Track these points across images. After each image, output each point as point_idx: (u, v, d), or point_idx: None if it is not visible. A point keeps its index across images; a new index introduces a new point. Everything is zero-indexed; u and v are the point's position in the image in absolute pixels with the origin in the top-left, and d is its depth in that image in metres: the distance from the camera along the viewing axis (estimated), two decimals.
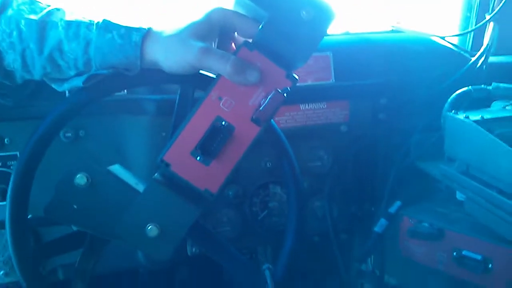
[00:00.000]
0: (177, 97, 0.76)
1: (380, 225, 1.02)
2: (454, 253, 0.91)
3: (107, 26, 0.69)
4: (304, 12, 0.61)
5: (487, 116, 0.88)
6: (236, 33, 0.72)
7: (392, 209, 1.01)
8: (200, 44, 0.65)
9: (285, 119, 1.04)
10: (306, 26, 0.61)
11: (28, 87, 0.85)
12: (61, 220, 0.67)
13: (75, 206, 0.67)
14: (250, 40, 0.65)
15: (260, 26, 0.62)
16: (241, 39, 0.69)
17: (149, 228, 0.67)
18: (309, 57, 0.64)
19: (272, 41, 0.63)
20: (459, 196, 0.97)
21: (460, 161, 0.91)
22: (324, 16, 0.62)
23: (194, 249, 1.04)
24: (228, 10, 0.69)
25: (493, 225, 0.85)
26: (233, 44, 0.73)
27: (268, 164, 1.05)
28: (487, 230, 0.87)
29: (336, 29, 1.12)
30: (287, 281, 0.79)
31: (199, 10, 0.69)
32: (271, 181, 1.08)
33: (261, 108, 0.63)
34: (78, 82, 0.71)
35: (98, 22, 0.70)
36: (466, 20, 1.24)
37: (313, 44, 0.63)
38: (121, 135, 0.96)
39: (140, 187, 0.70)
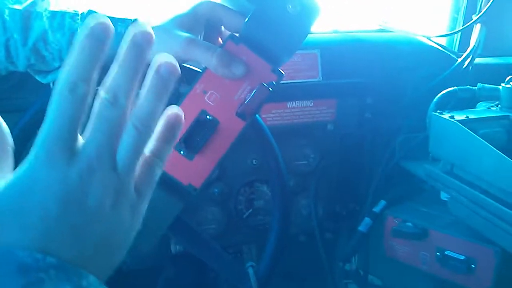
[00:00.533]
0: None
1: (364, 224, 1.02)
2: (438, 253, 0.92)
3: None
4: (290, 6, 0.60)
5: (472, 116, 0.88)
6: (223, 27, 0.71)
7: (377, 209, 1.02)
8: (186, 34, 0.64)
9: (271, 117, 1.03)
10: (292, 20, 0.61)
11: (12, 79, 0.84)
12: None
13: None
14: (237, 34, 0.65)
15: (246, 20, 0.62)
16: (228, 33, 0.68)
17: None
18: (294, 51, 0.64)
19: (257, 35, 0.62)
20: (443, 196, 0.98)
21: (444, 161, 0.91)
22: (310, 11, 0.62)
23: (178, 247, 1.04)
24: (215, 3, 0.68)
25: (477, 225, 0.85)
26: (219, 39, 0.72)
27: (254, 162, 1.04)
28: (471, 230, 0.88)
29: (324, 27, 1.12)
30: (271, 280, 0.79)
31: (186, 4, 0.69)
32: (257, 179, 1.07)
33: (246, 102, 0.63)
34: None
35: (83, 13, 0.69)
36: (454, 21, 1.25)
37: (299, 38, 0.63)
38: None
39: None
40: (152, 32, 0.40)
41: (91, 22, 0.36)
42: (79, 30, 0.40)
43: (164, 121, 0.42)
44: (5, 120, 0.88)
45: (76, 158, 0.37)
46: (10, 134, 0.42)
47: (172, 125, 0.42)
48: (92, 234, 0.39)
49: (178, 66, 0.41)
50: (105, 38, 0.38)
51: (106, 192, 0.39)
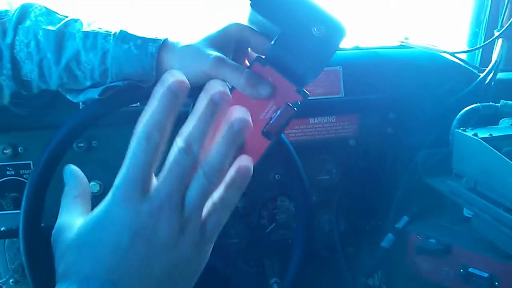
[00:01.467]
0: (190, 110, 0.77)
1: (387, 240, 1.02)
2: (461, 270, 0.91)
3: (124, 37, 0.70)
4: (315, 29, 0.62)
5: (495, 133, 0.88)
6: (249, 49, 0.73)
7: (400, 225, 1.02)
8: (216, 53, 0.66)
9: (294, 132, 1.05)
10: (317, 42, 0.62)
11: (43, 97, 0.86)
12: None
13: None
14: (263, 56, 0.66)
15: (272, 42, 0.63)
16: (254, 55, 0.70)
17: None
18: (319, 72, 0.65)
19: (283, 57, 0.64)
20: (466, 212, 0.97)
21: (468, 178, 0.91)
22: (335, 33, 0.63)
23: None
24: (244, 25, 0.71)
25: (500, 243, 0.85)
26: (246, 61, 0.74)
27: (277, 177, 1.05)
28: (494, 248, 0.87)
29: (346, 44, 1.13)
30: None
31: (215, 25, 0.71)
32: (280, 193, 1.08)
33: (271, 121, 0.64)
34: (93, 94, 0.72)
35: (115, 33, 0.71)
36: (475, 35, 1.25)
37: (324, 60, 0.64)
38: None
39: None
40: (229, 92, 0.45)
41: (169, 78, 0.43)
42: (157, 84, 0.45)
43: (234, 171, 0.46)
44: (38, 136, 0.92)
45: (149, 198, 0.42)
46: (87, 180, 0.49)
47: (242, 177, 0.46)
48: (157, 267, 0.43)
49: (250, 121, 0.45)
50: (180, 94, 0.43)
51: (172, 231, 0.43)
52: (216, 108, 0.44)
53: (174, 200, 0.43)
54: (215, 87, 0.45)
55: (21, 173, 0.95)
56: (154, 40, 0.70)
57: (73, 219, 0.46)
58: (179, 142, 0.44)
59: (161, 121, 0.43)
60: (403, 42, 1.15)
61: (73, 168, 0.50)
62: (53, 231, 0.47)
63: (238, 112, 0.45)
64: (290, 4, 0.62)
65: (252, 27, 0.71)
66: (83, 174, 0.50)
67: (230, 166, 0.46)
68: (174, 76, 0.43)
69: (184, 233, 0.44)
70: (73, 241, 0.44)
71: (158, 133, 0.42)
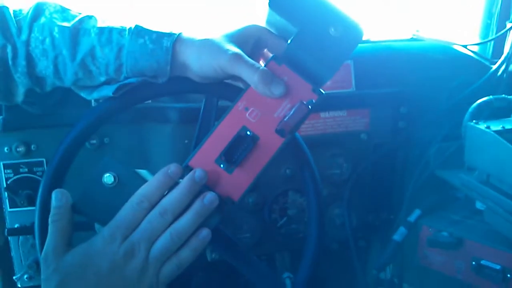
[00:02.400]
0: (202, 106, 0.77)
1: (399, 233, 1.02)
2: (473, 263, 0.91)
3: (139, 31, 0.71)
4: (332, 29, 0.62)
5: (508, 126, 0.88)
6: (266, 50, 0.73)
7: (412, 218, 1.02)
8: (234, 49, 0.67)
9: (305, 127, 1.04)
10: (334, 42, 0.63)
11: (55, 95, 0.87)
12: (87, 217, 0.69)
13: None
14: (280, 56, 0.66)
15: (289, 41, 0.64)
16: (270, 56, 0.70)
17: None
18: (335, 72, 0.65)
19: (300, 56, 0.64)
20: (479, 205, 0.97)
21: (480, 171, 0.91)
22: (352, 34, 0.63)
23: (213, 255, 1.06)
24: (263, 27, 0.72)
25: None
26: (261, 61, 0.75)
27: (287, 171, 1.06)
28: (507, 240, 0.87)
29: None
30: None
31: (233, 25, 0.72)
32: (291, 188, 1.08)
33: (285, 119, 0.64)
34: (107, 91, 0.72)
35: (130, 28, 0.71)
36: (487, 27, 1.24)
37: (340, 60, 0.64)
38: (144, 142, 0.98)
39: None
40: (206, 178, 0.66)
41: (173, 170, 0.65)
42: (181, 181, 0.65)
43: (195, 235, 0.64)
44: (51, 134, 0.94)
45: (126, 242, 0.62)
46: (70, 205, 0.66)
47: (199, 242, 0.64)
48: None
49: (217, 199, 0.65)
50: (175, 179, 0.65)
51: (137, 270, 0.62)
52: (194, 186, 0.64)
53: (142, 248, 0.62)
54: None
55: (34, 170, 0.96)
56: (169, 35, 0.71)
57: (61, 245, 0.63)
58: (158, 207, 0.63)
59: (154, 194, 0.63)
60: (414, 34, 1.14)
61: (59, 193, 0.65)
62: (43, 252, 0.63)
63: (210, 194, 0.64)
64: (308, 4, 0.63)
65: (269, 27, 0.72)
66: (69, 197, 0.66)
67: (194, 231, 0.64)
68: (170, 168, 0.65)
69: (144, 274, 0.62)
70: (60, 268, 0.61)
71: (148, 202, 0.63)
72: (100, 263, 0.61)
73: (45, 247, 0.63)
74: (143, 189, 0.63)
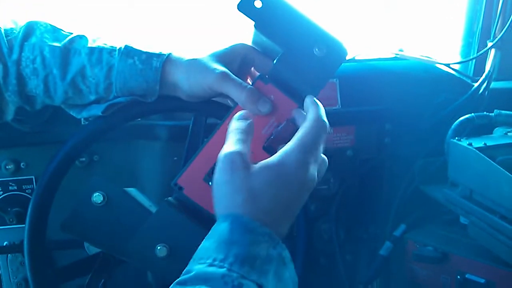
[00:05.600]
0: (191, 124, 0.79)
1: (385, 248, 1.03)
2: (458, 277, 0.93)
3: (129, 51, 0.72)
4: (316, 49, 0.64)
5: (489, 143, 0.90)
6: (253, 68, 0.75)
7: (397, 232, 1.03)
8: (221, 68, 0.68)
9: None
10: (318, 62, 0.64)
11: (45, 113, 0.87)
12: (76, 236, 0.69)
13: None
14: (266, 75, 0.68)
15: (275, 61, 0.65)
16: (257, 74, 0.72)
17: (158, 248, 0.69)
18: (319, 91, 0.67)
19: (285, 75, 0.65)
20: (463, 220, 0.99)
21: (463, 186, 0.93)
22: (336, 53, 0.65)
23: None
24: (250, 45, 0.73)
25: (496, 250, 0.87)
26: (248, 79, 0.76)
27: None
28: (491, 254, 0.89)
29: None
30: None
31: (220, 44, 0.73)
32: None
33: (272, 136, 0.66)
34: (97, 110, 0.73)
35: (120, 48, 0.72)
36: (468, 46, 1.27)
37: (324, 79, 0.66)
38: (134, 160, 0.99)
39: (153, 209, 0.72)
40: None
41: None
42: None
43: None
44: (40, 152, 0.94)
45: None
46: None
47: None
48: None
49: None
50: None
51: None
52: None
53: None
54: None
55: (24, 188, 0.96)
56: (159, 55, 0.72)
57: (247, 154, 0.57)
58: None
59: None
60: (398, 54, 1.17)
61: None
62: (227, 151, 0.56)
63: None
64: (292, 25, 0.64)
65: (256, 47, 0.73)
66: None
67: None
68: None
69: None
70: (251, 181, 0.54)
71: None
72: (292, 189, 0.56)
73: (228, 147, 0.57)
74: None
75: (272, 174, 0.55)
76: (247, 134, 0.59)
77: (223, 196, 0.55)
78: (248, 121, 0.60)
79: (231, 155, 0.55)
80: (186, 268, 0.50)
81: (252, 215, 0.52)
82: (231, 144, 0.57)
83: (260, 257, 0.49)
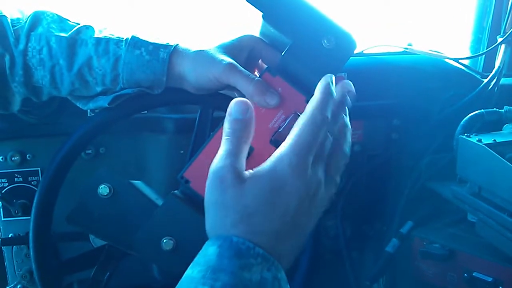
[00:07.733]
0: (197, 117, 0.78)
1: (392, 245, 1.03)
2: (465, 275, 0.92)
3: (136, 42, 0.71)
4: (325, 41, 0.63)
5: (499, 139, 0.89)
6: (260, 60, 0.74)
7: (404, 229, 1.02)
8: (229, 60, 0.67)
9: None
10: (327, 54, 0.63)
11: (51, 104, 0.87)
12: (82, 228, 0.69)
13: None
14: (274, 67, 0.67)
15: (283, 53, 0.65)
16: (264, 67, 0.71)
17: (164, 241, 0.69)
18: None
19: (293, 67, 0.65)
20: (471, 217, 0.98)
21: (471, 183, 0.92)
22: (345, 45, 0.64)
23: None
24: (257, 37, 0.73)
25: (504, 247, 0.86)
26: (256, 72, 0.75)
27: None
28: (498, 252, 0.88)
29: None
30: None
31: (228, 35, 0.73)
32: None
33: (280, 130, 0.65)
34: (103, 102, 0.73)
35: (127, 39, 0.72)
36: (478, 41, 1.26)
37: (333, 71, 0.65)
38: (140, 152, 0.98)
39: (160, 202, 0.72)
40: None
41: None
42: None
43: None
44: (46, 144, 0.94)
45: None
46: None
47: None
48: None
49: None
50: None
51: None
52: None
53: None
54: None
55: (29, 180, 0.96)
56: (166, 46, 0.71)
57: (241, 164, 0.52)
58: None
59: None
60: (406, 48, 1.15)
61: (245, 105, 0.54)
62: (217, 165, 0.51)
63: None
64: (301, 16, 0.63)
65: (264, 38, 0.73)
66: (253, 111, 0.55)
67: None
68: None
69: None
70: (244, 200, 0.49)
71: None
72: (289, 200, 0.50)
73: (218, 160, 0.51)
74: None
75: (263, 185, 0.49)
76: (243, 135, 0.53)
77: (213, 217, 0.51)
78: (245, 118, 0.54)
79: (221, 171, 0.50)
80: None
81: (245, 235, 0.48)
82: (222, 155, 0.52)
83: (252, 283, 0.45)
